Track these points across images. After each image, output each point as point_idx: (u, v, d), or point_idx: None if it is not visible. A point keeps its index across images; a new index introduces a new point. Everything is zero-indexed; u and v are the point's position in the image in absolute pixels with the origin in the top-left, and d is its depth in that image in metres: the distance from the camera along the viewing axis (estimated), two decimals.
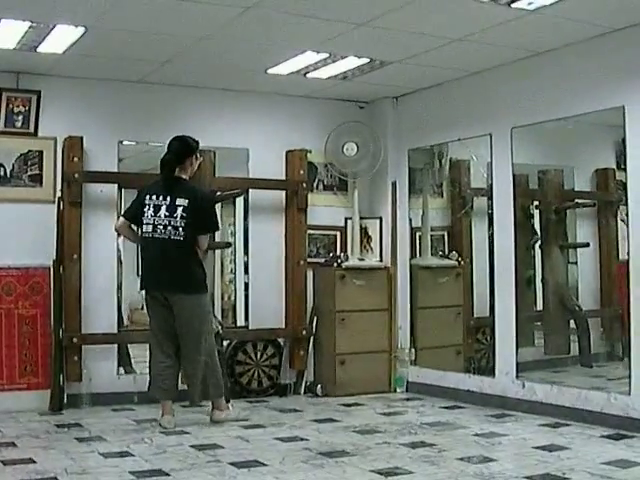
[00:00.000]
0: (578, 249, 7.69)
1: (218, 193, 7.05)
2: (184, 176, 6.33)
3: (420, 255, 8.05)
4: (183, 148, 6.36)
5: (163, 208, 6.20)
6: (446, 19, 5.75)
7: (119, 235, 6.87)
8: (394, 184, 8.08)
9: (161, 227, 6.18)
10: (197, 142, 6.44)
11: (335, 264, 7.74)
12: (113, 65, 6.85)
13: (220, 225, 6.72)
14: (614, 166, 7.07)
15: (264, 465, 5.05)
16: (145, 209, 6.25)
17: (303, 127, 7.94)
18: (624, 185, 6.07)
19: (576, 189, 7.57)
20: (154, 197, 6.25)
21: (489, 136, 7.06)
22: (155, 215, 6.20)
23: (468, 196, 7.88)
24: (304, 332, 7.71)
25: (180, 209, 6.18)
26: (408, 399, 7.53)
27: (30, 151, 6.96)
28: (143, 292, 6.41)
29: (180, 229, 6.17)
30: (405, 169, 8.02)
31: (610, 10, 5.54)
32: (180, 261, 6.20)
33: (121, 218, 6.55)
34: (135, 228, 6.42)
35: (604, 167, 7.24)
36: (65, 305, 6.88)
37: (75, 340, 6.89)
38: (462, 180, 7.96)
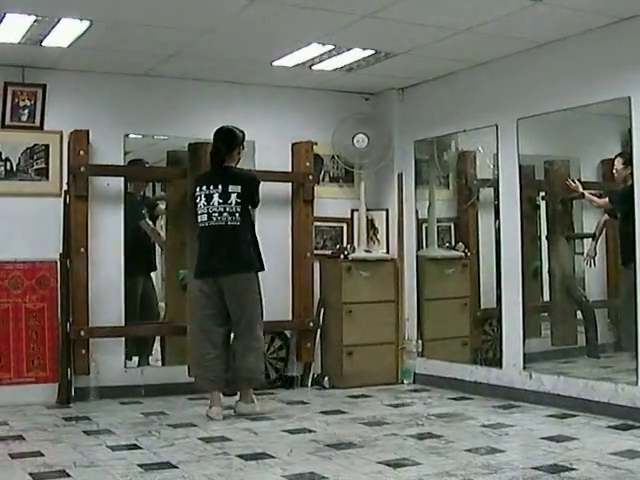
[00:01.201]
0: (584, 239, 7.68)
1: None
2: (232, 165, 6.47)
3: (427, 246, 8.05)
4: (231, 139, 6.49)
5: (216, 196, 6.33)
6: (451, 10, 5.74)
7: None
8: (400, 176, 8.07)
9: (216, 214, 6.32)
10: (244, 133, 6.57)
11: (342, 256, 7.74)
12: (118, 58, 6.85)
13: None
14: None
15: (272, 457, 5.06)
16: (197, 200, 6.38)
17: (309, 119, 7.94)
18: (630, 175, 6.06)
19: (582, 180, 7.55)
20: (204, 188, 6.38)
21: (495, 127, 7.05)
22: (208, 204, 6.33)
23: (474, 187, 7.88)
24: (311, 324, 7.71)
25: (234, 195, 6.32)
26: (415, 390, 7.53)
27: (36, 145, 6.97)
28: (196, 281, 6.45)
29: (236, 214, 6.31)
30: (411, 161, 8.02)
31: (616, 0, 5.52)
32: (237, 244, 6.34)
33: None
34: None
35: (610, 157, 7.23)
36: (72, 298, 6.89)
37: (82, 333, 6.90)
38: (468, 171, 7.96)
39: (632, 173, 5.99)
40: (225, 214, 6.30)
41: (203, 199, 6.36)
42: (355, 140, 7.88)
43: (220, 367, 6.35)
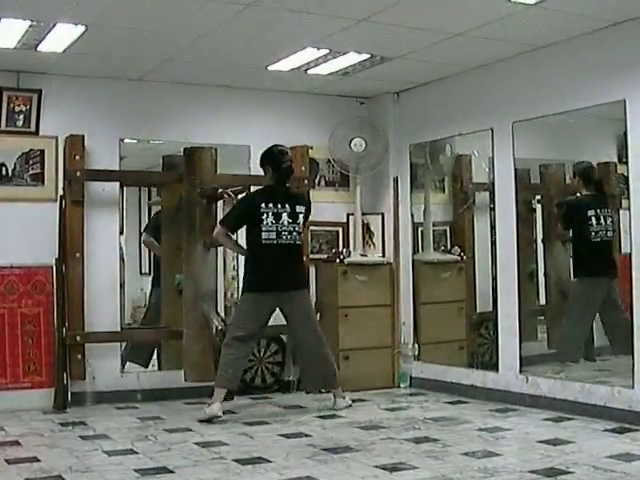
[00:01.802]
0: None
1: (220, 190, 7.05)
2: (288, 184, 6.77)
3: (422, 250, 8.06)
4: (291, 157, 6.80)
5: (285, 215, 6.57)
6: (447, 14, 5.75)
7: (214, 245, 6.98)
8: (396, 179, 8.08)
9: (286, 233, 6.56)
10: None
11: (337, 260, 7.74)
12: (114, 63, 6.85)
13: None
14: (616, 160, 7.07)
15: (268, 462, 5.05)
16: (263, 217, 6.52)
17: (304, 123, 7.94)
18: (626, 179, 6.07)
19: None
20: (271, 205, 6.55)
21: (490, 131, 7.06)
22: (277, 222, 6.54)
23: (470, 191, 7.89)
24: None
25: (301, 216, 6.67)
26: (412, 394, 7.53)
27: (31, 150, 6.97)
28: (251, 294, 6.59)
29: (301, 234, 6.71)
30: (407, 164, 8.02)
31: (611, 3, 5.54)
32: (301, 262, 6.83)
33: (220, 227, 6.67)
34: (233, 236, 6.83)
35: (606, 161, 7.24)
36: (68, 304, 6.88)
37: (78, 338, 6.90)
38: (464, 175, 7.97)
39: (627, 175, 6.00)
40: (294, 233, 6.60)
41: (271, 217, 6.53)
42: (352, 144, 7.88)
43: (242, 370, 6.69)
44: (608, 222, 7.01)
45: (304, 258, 6.97)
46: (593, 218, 7.02)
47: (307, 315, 6.73)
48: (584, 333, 7.18)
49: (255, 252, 6.60)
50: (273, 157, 6.68)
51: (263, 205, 6.54)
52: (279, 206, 6.56)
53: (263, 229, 6.50)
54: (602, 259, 7.07)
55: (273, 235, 6.52)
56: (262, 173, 7.49)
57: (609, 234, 7.01)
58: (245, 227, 6.69)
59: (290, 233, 6.57)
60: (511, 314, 6.86)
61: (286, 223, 6.55)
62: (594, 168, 7.20)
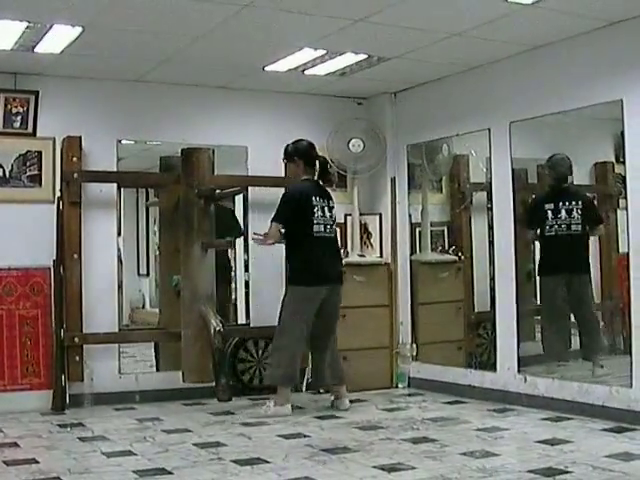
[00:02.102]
0: None
1: (217, 191, 7.06)
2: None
3: (420, 251, 8.06)
4: None
5: (326, 209, 6.74)
6: (444, 14, 5.75)
7: (273, 243, 6.80)
8: (393, 180, 8.08)
9: (329, 226, 6.74)
10: None
11: None
12: (111, 64, 6.85)
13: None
14: (613, 159, 7.08)
15: (267, 462, 5.05)
16: (315, 210, 6.65)
17: (301, 124, 7.92)
18: (623, 178, 6.07)
19: (575, 183, 7.55)
20: (319, 198, 6.71)
21: (488, 131, 7.06)
22: (323, 215, 6.70)
23: (467, 191, 7.88)
24: None
25: (333, 210, 6.85)
26: (410, 395, 7.53)
27: (29, 151, 6.96)
28: (302, 287, 6.62)
29: (336, 227, 6.91)
30: (404, 165, 8.02)
31: (608, 3, 5.54)
32: (340, 255, 7.04)
33: (277, 225, 6.65)
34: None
35: (603, 160, 7.25)
36: (66, 305, 6.88)
37: (76, 340, 6.90)
38: (461, 175, 7.97)
39: (625, 175, 6.00)
40: (334, 226, 6.84)
41: (319, 210, 6.67)
42: (350, 144, 7.88)
43: (299, 366, 6.80)
44: (572, 216, 6.97)
45: None
46: (549, 212, 7.02)
47: (337, 310, 6.83)
48: (561, 332, 7.15)
49: (307, 245, 6.64)
50: (311, 152, 6.83)
51: (314, 198, 6.66)
52: (323, 199, 6.74)
53: (315, 222, 6.62)
54: (561, 254, 7.05)
55: (322, 228, 6.67)
56: (261, 173, 7.55)
57: (572, 228, 6.98)
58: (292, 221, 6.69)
59: (331, 226, 6.77)
60: (509, 314, 6.86)
61: (328, 216, 6.73)
62: (561, 160, 7.17)
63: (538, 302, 7.56)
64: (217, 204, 7.38)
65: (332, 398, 6.91)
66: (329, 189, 7.02)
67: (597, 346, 6.99)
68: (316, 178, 6.83)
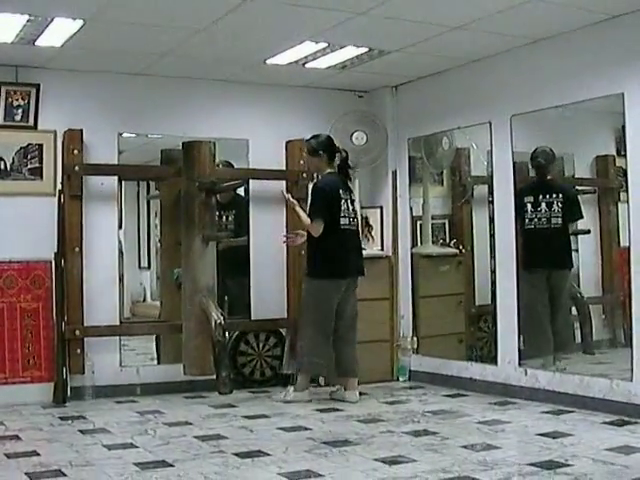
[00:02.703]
0: (579, 236, 7.68)
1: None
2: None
3: (421, 244, 8.06)
4: None
5: (349, 202, 6.84)
6: (445, 7, 5.74)
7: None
8: (394, 173, 8.08)
9: (351, 219, 6.85)
10: None
11: None
12: (112, 57, 6.84)
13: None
14: (614, 153, 7.08)
15: (268, 455, 5.06)
16: (342, 202, 6.75)
17: (303, 117, 7.92)
18: (624, 172, 6.07)
19: (576, 176, 7.56)
20: (341, 192, 6.80)
21: (489, 124, 7.05)
22: (348, 209, 6.82)
23: (468, 184, 7.89)
24: None
25: (355, 202, 7.01)
26: (411, 387, 7.54)
27: (30, 144, 6.96)
28: (321, 281, 6.75)
29: (357, 219, 7.03)
30: (405, 158, 8.02)
31: None
32: (361, 248, 7.10)
33: (320, 221, 6.71)
34: None
35: (604, 154, 7.25)
36: (67, 298, 6.89)
37: (78, 333, 6.90)
38: (462, 168, 7.97)
39: (626, 169, 6.00)
40: (356, 219, 6.96)
41: (344, 203, 6.77)
42: (353, 137, 7.88)
43: (331, 358, 6.88)
44: (552, 209, 6.96)
45: None
46: (529, 205, 7.01)
47: (356, 300, 6.95)
48: (541, 328, 7.09)
49: (333, 238, 6.71)
50: (333, 145, 6.93)
51: (341, 191, 6.77)
52: (346, 192, 6.83)
53: (341, 214, 6.73)
54: (539, 248, 7.04)
55: (347, 221, 6.78)
56: (262, 166, 7.54)
57: (553, 221, 6.97)
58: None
59: (354, 219, 6.89)
60: (510, 307, 6.86)
61: (351, 209, 6.84)
62: (542, 152, 7.12)
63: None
64: (236, 196, 7.44)
65: (337, 389, 6.98)
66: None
67: (572, 343, 7.01)
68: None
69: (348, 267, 6.81)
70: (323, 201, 6.74)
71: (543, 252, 7.02)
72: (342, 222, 6.74)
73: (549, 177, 7.12)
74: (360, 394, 6.89)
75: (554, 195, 6.94)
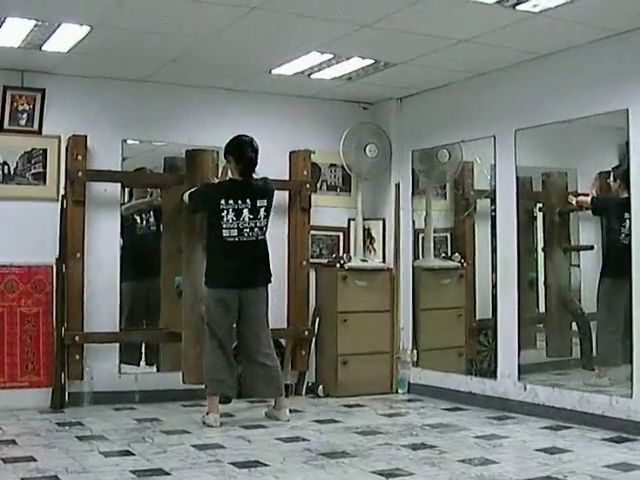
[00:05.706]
0: (581, 252, 7.69)
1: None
2: (254, 176, 6.55)
3: (423, 256, 8.05)
4: (257, 148, 6.56)
5: (246, 211, 6.39)
6: (451, 21, 5.75)
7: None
8: (397, 185, 8.08)
9: (247, 230, 6.39)
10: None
11: (338, 265, 7.74)
12: (118, 64, 6.85)
13: None
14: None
15: (265, 465, 5.05)
16: (223, 214, 6.36)
17: (307, 128, 7.94)
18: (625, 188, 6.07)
19: (580, 191, 7.56)
20: (231, 202, 6.38)
21: (493, 138, 7.06)
22: (238, 219, 6.37)
23: (471, 198, 7.89)
24: (306, 333, 7.71)
25: (262, 210, 6.46)
26: (410, 400, 7.53)
27: (34, 149, 6.97)
28: (214, 292, 6.44)
29: (264, 228, 6.49)
30: (408, 170, 8.02)
31: (614, 13, 5.53)
32: (265, 258, 6.56)
33: (188, 202, 6.67)
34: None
35: (607, 170, 7.24)
36: (67, 303, 6.89)
37: (77, 338, 6.89)
38: (466, 182, 7.97)
39: (628, 185, 6.00)
40: (256, 229, 6.43)
41: (231, 214, 6.36)
42: (367, 150, 7.89)
43: (233, 374, 6.50)
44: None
45: (269, 253, 6.58)
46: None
47: (253, 316, 6.48)
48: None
49: (216, 248, 6.46)
50: (236, 147, 6.53)
51: (223, 202, 6.36)
52: (239, 202, 6.38)
53: (224, 226, 6.35)
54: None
55: (234, 232, 6.36)
56: (264, 175, 7.54)
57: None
58: (206, 217, 6.57)
59: (252, 230, 6.39)
60: (510, 322, 6.85)
61: (247, 220, 6.38)
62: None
63: (541, 310, 7.57)
64: None
65: (269, 408, 6.69)
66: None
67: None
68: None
69: (236, 279, 6.37)
70: (198, 196, 6.59)
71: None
72: (225, 234, 6.34)
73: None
74: (290, 411, 6.62)
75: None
